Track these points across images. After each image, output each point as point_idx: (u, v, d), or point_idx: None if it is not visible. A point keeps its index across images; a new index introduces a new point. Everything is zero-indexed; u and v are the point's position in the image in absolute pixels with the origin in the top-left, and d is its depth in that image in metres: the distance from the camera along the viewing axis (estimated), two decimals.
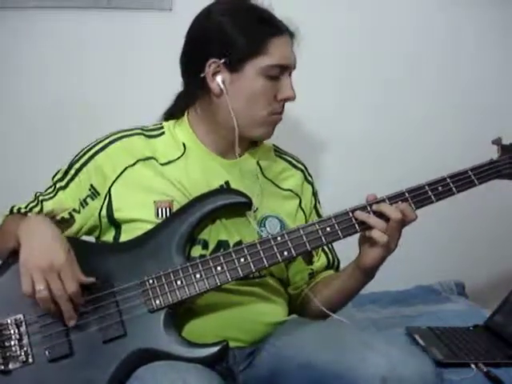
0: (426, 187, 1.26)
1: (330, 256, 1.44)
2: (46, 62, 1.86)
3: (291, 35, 1.32)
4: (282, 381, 1.21)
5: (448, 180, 1.27)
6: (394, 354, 1.10)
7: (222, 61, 1.26)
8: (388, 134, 2.04)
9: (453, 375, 1.41)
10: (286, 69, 1.30)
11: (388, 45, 2.01)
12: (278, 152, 1.46)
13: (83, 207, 1.30)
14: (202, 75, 1.28)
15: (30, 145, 1.87)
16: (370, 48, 2.01)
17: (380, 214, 1.22)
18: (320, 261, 1.42)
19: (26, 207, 1.33)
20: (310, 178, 1.46)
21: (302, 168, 1.46)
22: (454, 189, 1.27)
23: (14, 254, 1.19)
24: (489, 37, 2.07)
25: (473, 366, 1.45)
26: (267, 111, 1.30)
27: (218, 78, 1.27)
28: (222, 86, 1.27)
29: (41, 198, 1.33)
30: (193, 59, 1.31)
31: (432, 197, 1.26)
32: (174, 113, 1.40)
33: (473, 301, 2.00)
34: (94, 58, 1.88)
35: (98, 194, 1.30)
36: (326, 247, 1.43)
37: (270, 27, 1.29)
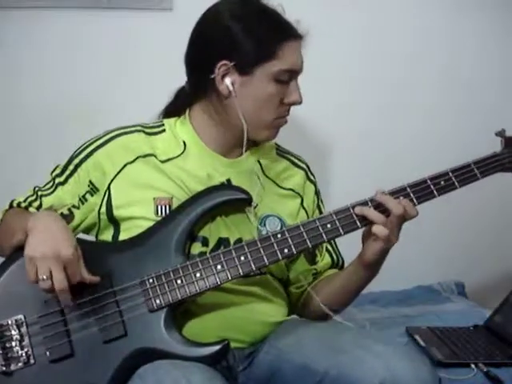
0: (428, 181, 1.25)
1: (334, 255, 1.42)
2: (46, 61, 1.86)
3: (300, 38, 1.30)
4: (280, 382, 1.22)
5: (450, 174, 1.26)
6: (392, 356, 1.10)
7: (233, 63, 1.25)
8: (390, 133, 2.04)
9: (453, 375, 1.41)
10: (295, 73, 1.29)
11: (389, 45, 2.01)
12: (280, 151, 1.44)
13: (82, 203, 1.30)
14: (212, 76, 1.26)
15: (29, 144, 1.87)
16: (372, 48, 2.01)
17: (382, 209, 1.21)
18: (324, 260, 1.41)
19: (25, 201, 1.33)
20: (312, 177, 1.45)
21: (304, 167, 1.45)
22: (456, 183, 1.25)
23: (15, 253, 1.19)
24: (490, 37, 2.07)
25: (473, 365, 1.46)
26: (274, 116, 1.29)
27: (227, 80, 1.26)
28: (231, 88, 1.26)
29: (40, 193, 1.33)
30: (201, 60, 1.29)
31: (434, 191, 1.24)
32: (174, 110, 1.39)
33: (473, 301, 2.00)
34: (94, 58, 1.87)
35: (98, 190, 1.29)
36: (329, 246, 1.42)
37: (282, 32, 1.27)
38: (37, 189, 1.34)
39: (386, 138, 2.04)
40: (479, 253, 2.10)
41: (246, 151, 1.33)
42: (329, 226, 1.22)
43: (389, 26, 2.01)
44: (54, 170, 1.35)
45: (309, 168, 1.46)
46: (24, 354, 1.13)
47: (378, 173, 2.00)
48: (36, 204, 1.32)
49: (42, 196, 1.32)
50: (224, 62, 1.25)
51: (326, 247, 1.41)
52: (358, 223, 1.22)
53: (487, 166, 1.28)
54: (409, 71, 2.03)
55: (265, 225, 1.31)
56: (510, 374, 1.43)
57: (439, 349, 1.54)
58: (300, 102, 1.30)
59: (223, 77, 1.26)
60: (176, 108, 1.39)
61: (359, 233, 1.26)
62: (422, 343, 1.57)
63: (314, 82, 1.89)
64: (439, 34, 2.05)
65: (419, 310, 1.89)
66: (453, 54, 2.06)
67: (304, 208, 1.40)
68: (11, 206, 1.34)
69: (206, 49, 1.28)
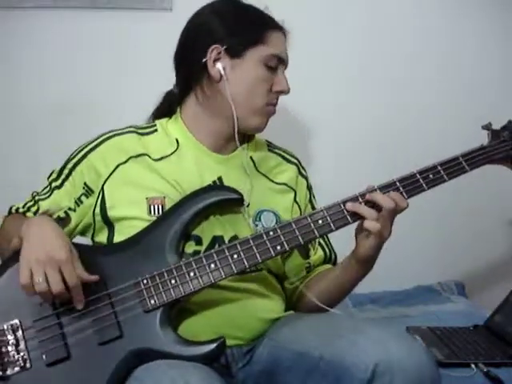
0: (418, 175, 1.26)
1: (326, 249, 1.44)
2: (46, 61, 1.86)
3: (285, 34, 1.36)
4: (279, 372, 1.22)
5: (439, 167, 1.27)
6: (387, 340, 1.10)
7: (224, 47, 1.29)
8: (390, 133, 2.04)
9: (453, 375, 1.41)
10: (281, 62, 1.34)
11: (389, 45, 2.01)
12: (271, 147, 1.46)
13: (78, 205, 1.31)
14: (204, 60, 1.30)
15: (29, 144, 1.87)
16: (372, 48, 2.01)
17: (372, 204, 1.22)
18: (317, 254, 1.42)
19: (23, 206, 1.35)
20: (304, 172, 1.47)
21: (296, 162, 1.46)
22: (445, 176, 1.26)
23: (9, 259, 1.19)
24: (490, 37, 2.07)
25: (473, 365, 1.45)
26: (264, 101, 1.32)
27: (219, 65, 1.29)
28: (222, 71, 1.29)
29: (37, 198, 1.35)
30: (194, 46, 1.32)
31: (423, 185, 1.25)
32: (163, 111, 1.41)
33: (473, 301, 2.00)
34: (93, 58, 1.88)
35: (92, 192, 1.30)
36: (322, 241, 1.43)
37: (268, 20, 1.34)
38: (35, 194, 1.36)
39: (385, 138, 2.03)
40: (479, 253, 2.10)
41: (238, 140, 1.34)
42: (320, 221, 1.23)
43: (389, 26, 2.01)
44: (51, 175, 1.37)
45: (300, 163, 1.47)
46: (20, 359, 1.13)
47: (377, 172, 1.99)
48: (34, 209, 1.34)
49: (39, 200, 1.34)
50: (216, 45, 1.29)
51: (319, 241, 1.43)
52: (349, 218, 1.23)
53: (475, 159, 1.29)
54: (409, 71, 2.03)
55: (260, 220, 1.32)
56: (510, 374, 1.43)
57: (439, 349, 1.53)
58: (287, 92, 1.34)
59: (215, 61, 1.30)
60: (164, 111, 1.41)
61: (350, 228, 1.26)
62: (421, 343, 1.57)
63: (314, 81, 1.91)
64: (439, 34, 2.05)
65: (419, 310, 1.89)
66: (453, 54, 2.06)
67: (297, 203, 1.41)
68: (10, 212, 1.36)
69: (199, 35, 1.32)
